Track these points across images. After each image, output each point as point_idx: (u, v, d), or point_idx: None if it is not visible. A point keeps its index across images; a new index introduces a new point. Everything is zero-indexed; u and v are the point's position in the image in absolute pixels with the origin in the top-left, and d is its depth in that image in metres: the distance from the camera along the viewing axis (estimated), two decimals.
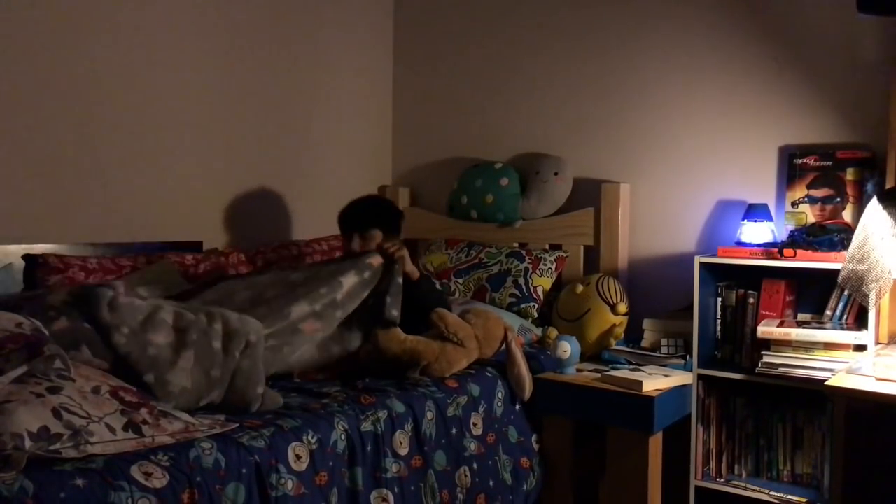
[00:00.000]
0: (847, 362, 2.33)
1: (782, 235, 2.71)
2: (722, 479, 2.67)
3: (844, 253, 2.34)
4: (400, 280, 2.55)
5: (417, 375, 2.38)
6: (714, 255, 2.65)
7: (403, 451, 2.17)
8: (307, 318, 2.33)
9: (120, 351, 1.94)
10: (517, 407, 2.59)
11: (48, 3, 2.60)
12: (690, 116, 3.03)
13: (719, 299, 2.69)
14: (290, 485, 1.86)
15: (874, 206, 2.23)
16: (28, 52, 2.56)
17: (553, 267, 3.15)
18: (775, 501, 2.53)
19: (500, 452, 2.48)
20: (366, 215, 2.85)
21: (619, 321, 2.87)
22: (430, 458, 2.25)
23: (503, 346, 2.59)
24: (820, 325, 2.49)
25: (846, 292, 2.45)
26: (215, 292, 2.38)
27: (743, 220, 2.75)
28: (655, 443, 2.52)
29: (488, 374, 2.54)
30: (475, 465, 2.38)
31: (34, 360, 1.69)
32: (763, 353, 2.52)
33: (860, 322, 2.45)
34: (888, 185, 2.49)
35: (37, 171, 2.61)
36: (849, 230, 2.49)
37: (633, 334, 2.92)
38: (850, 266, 2.25)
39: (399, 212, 2.97)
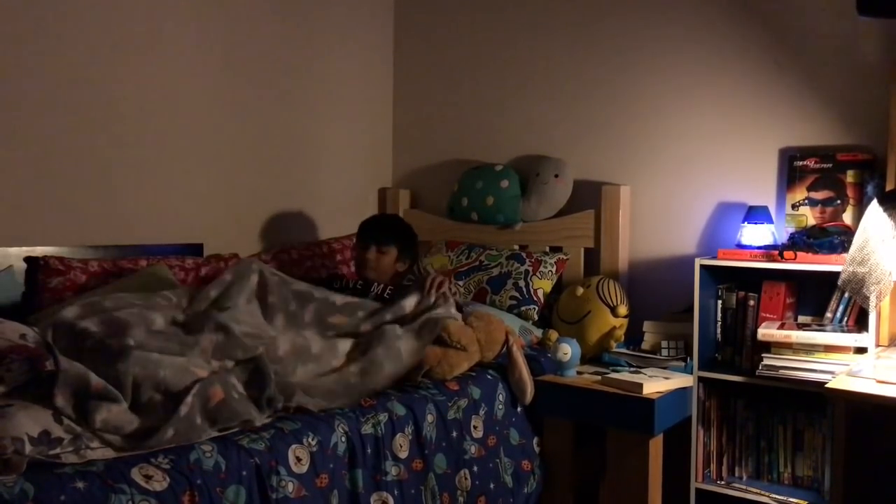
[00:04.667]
0: (847, 365, 2.33)
1: (782, 238, 2.71)
2: (722, 482, 2.67)
3: (845, 255, 2.34)
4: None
5: (419, 378, 2.38)
6: (714, 258, 2.65)
7: (404, 454, 2.17)
8: None
9: None
10: (518, 409, 2.59)
11: (51, 7, 2.61)
12: (691, 118, 3.03)
13: (720, 301, 2.69)
14: (290, 487, 1.86)
15: (874, 209, 2.23)
16: (29, 54, 2.57)
17: (553, 269, 3.15)
18: None
19: (501, 455, 2.48)
20: (389, 231, 3.00)
21: (620, 323, 2.87)
22: (430, 460, 2.24)
23: (504, 350, 2.59)
24: (820, 328, 2.49)
25: (846, 295, 2.45)
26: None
27: (743, 222, 2.75)
28: (656, 445, 2.52)
29: (489, 376, 2.54)
30: (476, 468, 2.38)
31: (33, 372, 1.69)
32: (763, 355, 2.52)
33: (860, 324, 2.45)
34: (888, 188, 2.48)
35: (38, 173, 2.61)
36: (849, 232, 2.49)
37: (633, 336, 2.92)
38: (851, 268, 2.25)
39: (416, 237, 3.12)
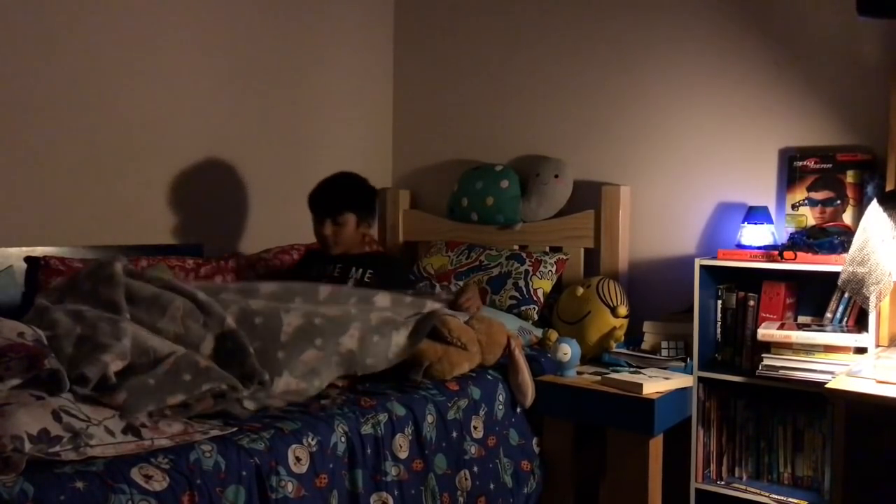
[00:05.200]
0: (847, 365, 2.33)
1: (782, 238, 2.72)
2: (722, 482, 2.67)
3: (845, 255, 2.34)
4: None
5: (420, 377, 2.38)
6: (714, 258, 2.65)
7: (403, 455, 2.17)
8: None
9: None
10: (517, 410, 2.58)
11: (52, 9, 2.61)
12: (691, 119, 3.03)
13: (719, 302, 2.69)
14: (290, 487, 1.86)
15: (874, 209, 2.23)
16: (29, 54, 2.57)
17: (553, 269, 3.15)
18: None
19: (501, 455, 2.48)
20: (339, 198, 2.76)
21: (620, 323, 2.87)
22: (430, 461, 2.24)
23: (505, 353, 2.58)
24: (820, 328, 2.49)
25: (846, 295, 2.45)
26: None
27: (743, 222, 2.75)
28: (656, 445, 2.52)
29: (489, 377, 2.54)
30: (476, 469, 2.37)
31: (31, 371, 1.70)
32: (763, 355, 2.52)
33: (860, 324, 2.45)
34: (888, 188, 2.49)
35: (38, 174, 2.61)
36: (849, 232, 2.49)
37: (633, 337, 2.92)
38: (851, 268, 2.25)
39: (373, 190, 2.87)
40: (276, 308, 2.21)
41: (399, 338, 2.31)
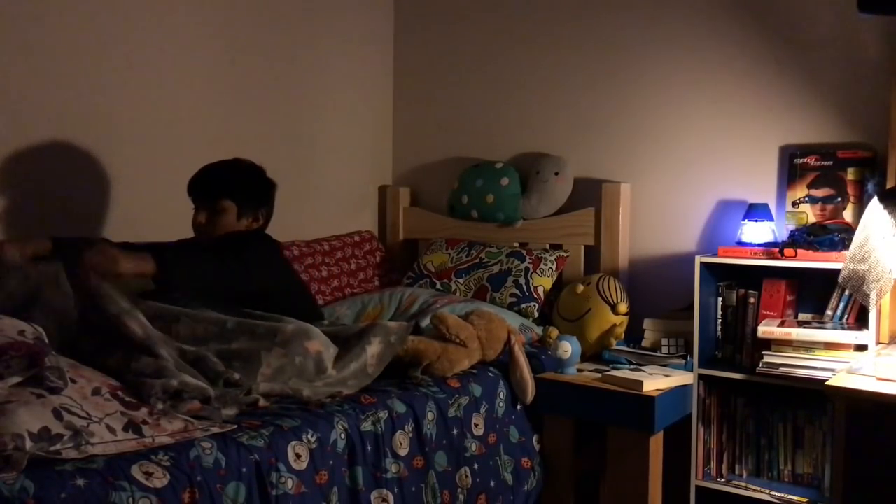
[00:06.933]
0: (848, 362, 2.33)
1: (783, 235, 2.71)
2: (723, 479, 2.67)
3: (845, 253, 2.34)
4: None
5: (419, 375, 2.38)
6: (715, 255, 2.65)
7: (404, 452, 2.17)
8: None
9: None
10: (518, 407, 2.59)
11: (54, 8, 2.61)
12: (691, 116, 3.03)
13: (720, 299, 2.69)
14: (290, 483, 1.86)
15: (875, 206, 2.23)
16: (28, 51, 2.57)
17: (554, 266, 3.15)
18: (776, 501, 2.53)
19: (501, 453, 2.49)
20: (216, 184, 2.41)
21: (620, 321, 2.87)
22: (430, 458, 2.24)
23: (506, 349, 2.59)
24: (821, 325, 2.49)
25: (847, 292, 2.45)
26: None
27: (743, 219, 2.74)
28: (656, 442, 2.52)
29: (490, 374, 2.54)
30: (476, 466, 2.38)
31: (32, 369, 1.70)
32: (764, 352, 2.52)
33: (861, 322, 2.45)
34: (889, 185, 2.48)
35: (37, 172, 2.61)
36: (849, 230, 2.49)
37: (633, 334, 2.92)
38: (851, 266, 2.25)
39: (264, 182, 2.51)
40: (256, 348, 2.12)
41: (373, 349, 2.27)
